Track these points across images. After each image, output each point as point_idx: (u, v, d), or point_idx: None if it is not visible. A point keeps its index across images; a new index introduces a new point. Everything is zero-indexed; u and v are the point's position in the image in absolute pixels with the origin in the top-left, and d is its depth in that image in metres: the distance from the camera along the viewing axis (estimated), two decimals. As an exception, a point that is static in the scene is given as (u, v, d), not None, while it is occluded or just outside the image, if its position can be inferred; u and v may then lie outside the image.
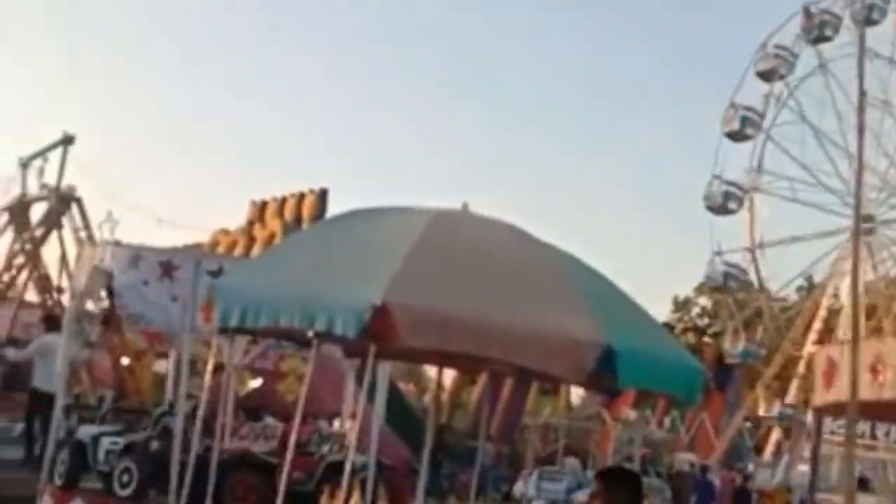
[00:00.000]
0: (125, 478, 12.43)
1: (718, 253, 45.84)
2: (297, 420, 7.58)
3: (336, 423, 15.65)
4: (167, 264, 12.16)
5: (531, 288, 5.52)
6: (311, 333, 5.98)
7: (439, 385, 8.29)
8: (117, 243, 12.78)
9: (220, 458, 11.83)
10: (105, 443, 13.09)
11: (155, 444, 12.49)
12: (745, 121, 45.67)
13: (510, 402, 39.35)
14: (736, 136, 46.05)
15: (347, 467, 6.68)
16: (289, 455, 9.07)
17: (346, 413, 15.06)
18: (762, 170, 46.23)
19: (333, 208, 29.14)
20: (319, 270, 5.62)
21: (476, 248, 5.66)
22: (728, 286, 46.21)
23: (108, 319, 14.99)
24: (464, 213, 6.16)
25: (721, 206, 45.51)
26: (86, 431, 13.69)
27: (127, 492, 12.31)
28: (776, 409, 44.01)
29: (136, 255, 12.56)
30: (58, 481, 12.55)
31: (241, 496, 11.96)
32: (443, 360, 7.25)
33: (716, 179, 45.71)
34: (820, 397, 10.43)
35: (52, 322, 16.15)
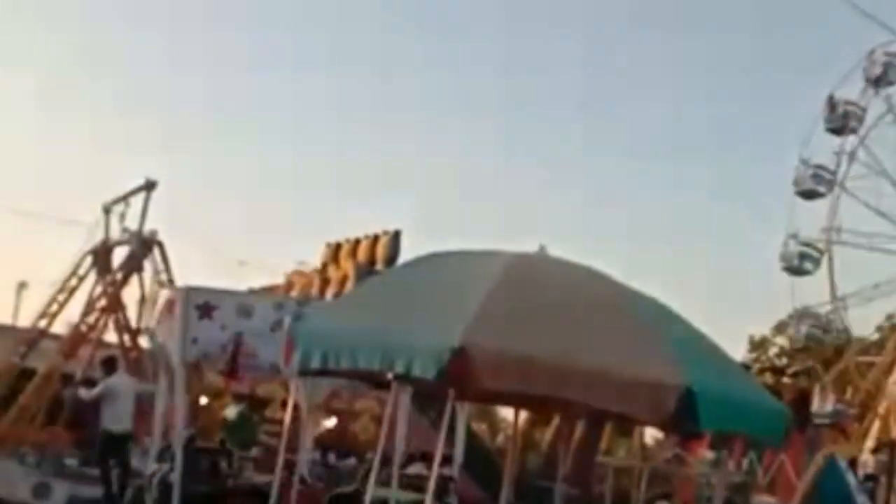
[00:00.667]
0: None
1: (801, 314, 44.94)
2: (377, 459, 7.63)
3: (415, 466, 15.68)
4: (205, 306, 12.29)
5: (611, 330, 5.51)
6: (390, 376, 6.02)
7: (517, 427, 8.27)
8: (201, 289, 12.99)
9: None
10: None
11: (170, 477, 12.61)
12: (817, 178, 45.04)
13: (583, 442, 38.91)
14: (807, 195, 45.37)
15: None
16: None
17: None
18: (838, 227, 45.36)
19: (407, 249, 29.32)
20: (399, 313, 5.68)
21: (554, 290, 5.68)
22: (809, 345, 45.35)
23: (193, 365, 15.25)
24: (541, 256, 6.19)
25: (798, 267, 44.73)
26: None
27: None
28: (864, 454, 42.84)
29: (248, 304, 12.73)
30: None
31: None
32: (520, 401, 7.24)
33: (791, 239, 45.00)
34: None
35: (110, 364, 16.48)
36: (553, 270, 6.01)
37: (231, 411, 14.65)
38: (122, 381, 15.86)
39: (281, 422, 15.09)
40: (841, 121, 44.42)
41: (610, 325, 5.52)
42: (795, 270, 44.29)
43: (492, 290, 5.42)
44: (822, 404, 43.91)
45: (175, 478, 11.93)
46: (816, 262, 44.36)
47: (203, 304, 12.11)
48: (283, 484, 11.99)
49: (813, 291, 45.00)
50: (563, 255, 6.25)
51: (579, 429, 38.49)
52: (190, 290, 12.52)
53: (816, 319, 44.60)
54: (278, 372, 14.27)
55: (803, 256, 44.05)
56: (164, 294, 14.08)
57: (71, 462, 18.14)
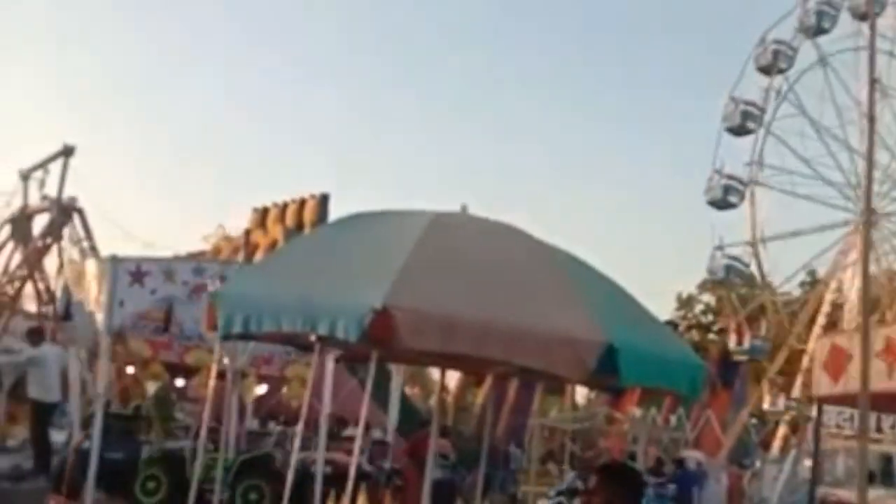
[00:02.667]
0: (151, 485, 12.63)
1: (720, 247, 45.77)
2: (301, 425, 7.60)
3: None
4: (137, 272, 12.18)
5: (531, 288, 5.54)
6: (313, 338, 5.98)
7: (443, 387, 8.29)
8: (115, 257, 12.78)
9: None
10: None
11: (87, 445, 12.60)
12: (745, 115, 45.66)
13: (516, 403, 39.35)
14: (736, 131, 46.02)
15: (352, 472, 6.68)
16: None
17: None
18: (763, 164, 46.18)
19: (335, 213, 29.18)
20: (321, 275, 5.64)
21: (475, 250, 5.68)
22: (730, 280, 46.11)
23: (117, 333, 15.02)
24: (463, 215, 6.18)
25: (722, 199, 45.44)
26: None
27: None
28: (781, 403, 43.90)
29: (170, 268, 12.58)
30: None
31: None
32: (446, 362, 7.26)
33: (716, 174, 45.69)
34: (825, 387, 10.32)
35: (37, 335, 16.21)
36: (474, 229, 6.00)
37: (151, 387, 14.59)
38: (49, 351, 15.60)
39: (201, 401, 15.04)
40: (771, 60, 45.07)
41: (531, 282, 5.54)
42: (719, 203, 44.99)
43: (414, 250, 5.41)
44: (740, 340, 44.88)
45: (92, 444, 11.87)
46: (740, 196, 45.12)
47: (136, 269, 11.98)
48: (195, 449, 11.99)
49: (734, 235, 45.79)
50: (484, 213, 6.24)
51: (511, 390, 38.91)
52: (119, 258, 12.38)
53: (736, 258, 45.44)
54: (204, 339, 14.24)
55: (728, 189, 44.80)
56: (91, 262, 13.80)
57: None
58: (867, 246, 8.93)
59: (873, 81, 9.13)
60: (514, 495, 28.13)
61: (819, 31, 45.36)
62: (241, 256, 29.59)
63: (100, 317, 12.20)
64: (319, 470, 11.48)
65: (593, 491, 5.29)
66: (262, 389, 16.92)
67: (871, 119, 8.84)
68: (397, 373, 14.84)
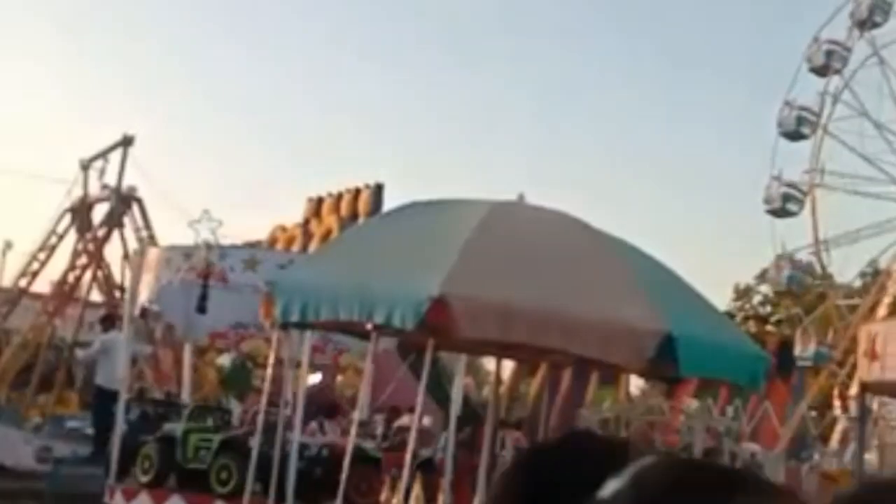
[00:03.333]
0: (224, 475, 12.65)
1: (782, 257, 45.14)
2: (357, 414, 7.62)
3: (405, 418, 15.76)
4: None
5: (590, 277, 5.51)
6: (370, 326, 6.00)
7: (498, 377, 8.26)
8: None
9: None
10: (194, 439, 13.26)
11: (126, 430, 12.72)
12: (800, 120, 45.02)
13: (569, 393, 39.16)
14: (792, 136, 45.38)
15: (408, 458, 6.67)
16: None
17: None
18: (823, 169, 45.46)
19: (389, 203, 29.25)
20: (378, 264, 5.66)
21: (533, 239, 5.66)
22: (791, 289, 45.56)
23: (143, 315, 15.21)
24: (520, 205, 6.16)
25: (781, 209, 44.81)
26: (172, 427, 13.94)
27: (227, 489, 12.53)
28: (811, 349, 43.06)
29: (188, 254, 12.75)
30: (143, 478, 12.66)
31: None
32: (501, 351, 7.24)
33: (774, 181, 45.00)
34: (868, 373, 10.15)
35: (109, 321, 16.46)
36: (532, 218, 5.98)
37: (225, 359, 14.61)
38: (118, 338, 15.80)
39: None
40: (825, 61, 44.38)
41: (589, 272, 5.51)
42: (779, 212, 44.39)
43: (470, 240, 5.40)
44: (804, 348, 44.34)
45: (118, 430, 12.09)
46: (800, 204, 44.47)
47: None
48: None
49: (796, 237, 45.17)
50: (542, 204, 6.21)
51: (565, 380, 38.79)
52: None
53: (798, 263, 44.84)
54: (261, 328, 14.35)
55: (787, 198, 44.14)
56: (154, 252, 14.01)
57: (74, 424, 18.17)
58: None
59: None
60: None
61: (872, 24, 44.55)
62: (297, 246, 29.79)
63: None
64: (342, 457, 11.53)
65: None
66: (315, 378, 17.00)
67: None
68: (458, 365, 14.78)
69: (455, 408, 13.09)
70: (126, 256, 19.36)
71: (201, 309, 13.16)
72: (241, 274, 12.34)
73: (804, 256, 45.42)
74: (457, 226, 5.60)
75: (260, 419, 8.60)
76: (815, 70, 45.25)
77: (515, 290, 5.20)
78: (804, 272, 44.99)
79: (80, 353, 18.30)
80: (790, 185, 45.02)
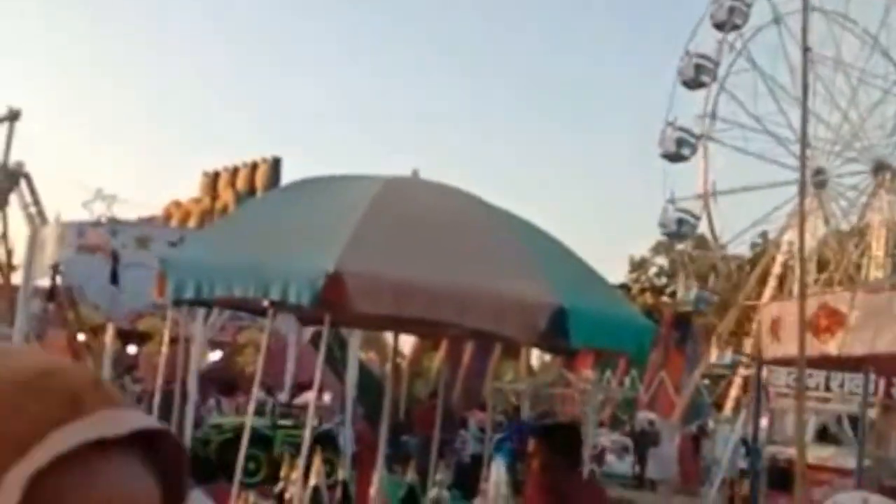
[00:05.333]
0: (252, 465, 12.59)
1: (672, 201, 46.12)
2: (255, 391, 7.60)
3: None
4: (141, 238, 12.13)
5: (483, 251, 5.58)
6: (266, 303, 5.99)
7: (396, 351, 8.31)
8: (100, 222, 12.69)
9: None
10: None
11: None
12: (699, 68, 45.98)
13: (471, 367, 39.50)
14: (690, 84, 46.28)
15: (307, 435, 6.69)
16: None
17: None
18: (716, 117, 46.52)
19: (287, 177, 28.98)
20: (272, 239, 5.64)
21: (427, 214, 5.70)
22: (682, 233, 46.50)
23: (53, 295, 14.86)
24: (414, 180, 6.20)
25: (674, 153, 45.76)
26: None
27: None
28: (728, 357, 44.49)
29: (81, 231, 12.51)
30: None
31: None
32: (400, 326, 7.30)
33: (669, 126, 46.00)
34: (771, 351, 10.62)
35: None
36: (426, 193, 6.02)
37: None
38: None
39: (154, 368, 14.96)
40: (727, 17, 45.41)
41: (483, 246, 5.59)
42: (672, 157, 45.42)
43: (365, 214, 5.42)
44: (686, 293, 45.53)
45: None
46: (692, 148, 45.57)
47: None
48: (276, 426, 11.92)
49: (687, 190, 46.11)
50: (436, 179, 6.25)
51: (468, 353, 39.06)
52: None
53: (688, 211, 45.89)
54: (159, 306, 14.14)
55: (680, 142, 45.23)
56: (49, 229, 13.64)
57: None
58: (802, 210, 9.15)
59: (806, 49, 9.27)
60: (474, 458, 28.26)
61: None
62: (192, 222, 29.35)
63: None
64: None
65: (532, 453, 5.37)
66: (215, 356, 16.87)
67: (805, 87, 8.96)
68: (353, 339, 14.83)
69: (350, 381, 13.14)
70: (4, 235, 18.86)
71: (114, 281, 12.92)
72: (133, 252, 12.14)
73: (693, 207, 46.38)
74: (352, 201, 5.61)
75: (156, 399, 8.51)
76: (716, 24, 46.29)
77: (410, 265, 5.25)
78: (693, 217, 46.00)
79: None
80: (684, 129, 46.01)
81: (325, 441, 12.55)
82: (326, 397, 17.36)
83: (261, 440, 12.36)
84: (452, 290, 5.22)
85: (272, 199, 7.00)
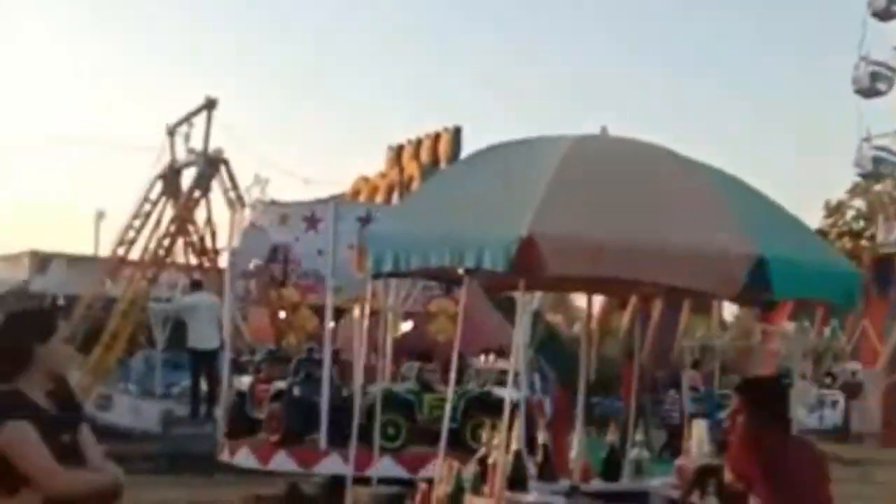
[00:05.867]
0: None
1: (867, 139, 43.78)
2: (455, 358, 7.73)
3: (490, 359, 15.88)
4: (311, 218, 12.48)
5: (678, 205, 5.48)
6: (461, 271, 6.08)
7: (590, 313, 8.29)
8: (272, 202, 13.19)
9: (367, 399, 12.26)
10: (258, 391, 13.55)
11: (297, 391, 12.80)
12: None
13: (661, 324, 38.95)
14: (882, 15, 43.69)
15: (507, 399, 6.76)
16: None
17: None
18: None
19: (468, 146, 29.23)
20: (464, 208, 5.71)
21: (618, 170, 5.65)
22: (879, 172, 44.08)
23: (263, 276, 15.51)
24: (603, 137, 6.13)
25: (869, 88, 43.32)
26: (241, 382, 14.28)
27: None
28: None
29: (284, 213, 12.97)
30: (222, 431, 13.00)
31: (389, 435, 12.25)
32: (591, 287, 7.26)
33: (862, 61, 43.58)
34: None
35: (195, 286, 16.98)
36: (616, 149, 5.96)
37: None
38: (201, 299, 16.25)
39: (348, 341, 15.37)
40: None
41: (677, 200, 5.49)
42: (867, 92, 43.04)
43: (555, 175, 5.40)
44: (887, 235, 42.99)
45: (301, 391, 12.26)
46: (889, 82, 43.04)
47: (310, 215, 12.31)
48: (420, 392, 12.29)
49: (884, 126, 43.68)
50: (625, 135, 6.18)
51: (656, 311, 38.51)
52: (342, 204, 12.74)
53: (885, 148, 43.43)
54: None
55: (875, 76, 42.81)
56: (247, 213, 14.27)
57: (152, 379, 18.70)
58: None
59: None
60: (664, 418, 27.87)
61: None
62: (379, 196, 30.01)
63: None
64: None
65: (736, 409, 5.27)
66: (407, 326, 17.23)
67: None
68: (529, 301, 14.80)
69: (518, 336, 13.12)
70: (209, 220, 19.78)
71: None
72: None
73: (890, 144, 43.82)
74: (540, 163, 5.61)
75: (358, 370, 8.75)
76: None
77: (604, 224, 5.21)
78: (890, 153, 43.46)
79: (153, 305, 18.85)
80: (878, 63, 43.51)
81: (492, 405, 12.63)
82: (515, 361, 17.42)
83: (402, 405, 12.54)
84: (649, 247, 5.16)
85: (461, 168, 7.09)
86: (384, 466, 10.25)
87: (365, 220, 12.32)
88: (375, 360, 11.25)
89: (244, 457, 12.58)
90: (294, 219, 12.84)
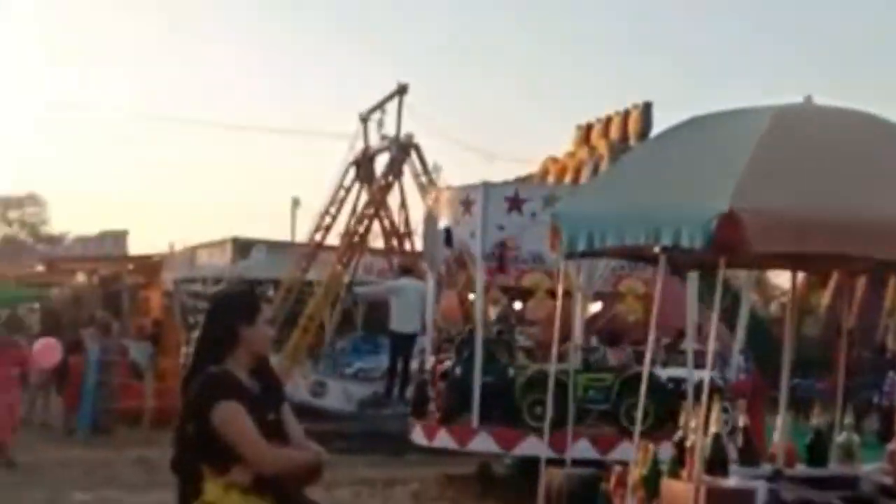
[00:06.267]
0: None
1: None
2: (651, 339, 7.58)
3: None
4: (465, 201, 12.50)
5: (888, 175, 5.18)
6: (657, 249, 5.93)
7: (794, 292, 7.95)
8: (447, 188, 13.31)
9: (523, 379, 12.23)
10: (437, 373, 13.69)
11: (458, 370, 12.91)
12: None
13: (865, 302, 37.16)
14: None
15: (706, 382, 6.55)
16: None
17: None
18: None
19: (659, 122, 28.61)
20: (661, 184, 5.57)
21: (824, 141, 5.38)
22: None
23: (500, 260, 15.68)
24: (808, 106, 5.85)
25: None
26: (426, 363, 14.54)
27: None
28: None
29: (449, 197, 13.05)
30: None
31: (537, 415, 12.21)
32: (797, 263, 6.95)
33: None
34: None
35: (405, 271, 17.30)
36: (822, 120, 5.68)
37: (492, 312, 15.03)
38: (408, 284, 16.53)
39: (536, 324, 15.30)
40: None
41: (889, 169, 5.19)
42: None
43: (758, 148, 5.19)
44: None
45: (462, 371, 12.44)
46: None
47: (514, 195, 12.37)
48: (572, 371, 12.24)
49: None
50: (831, 104, 5.88)
51: (860, 287, 36.77)
52: (492, 185, 12.87)
53: None
54: (541, 261, 14.48)
55: None
56: (436, 195, 14.48)
57: (354, 362, 19.19)
58: None
59: None
60: (871, 401, 26.55)
61: None
62: (568, 176, 29.81)
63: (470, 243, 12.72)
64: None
65: None
66: (596, 307, 17.07)
67: None
68: (746, 282, 14.34)
69: (741, 326, 12.73)
70: (404, 203, 20.12)
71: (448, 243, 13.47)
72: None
73: None
74: (741, 135, 5.40)
75: (554, 350, 8.70)
76: None
77: (810, 197, 4.98)
78: None
79: (359, 289, 19.30)
80: None
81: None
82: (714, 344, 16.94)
83: (555, 385, 12.35)
84: (859, 221, 4.90)
85: (657, 143, 6.89)
86: (579, 448, 10.17)
87: (513, 202, 12.30)
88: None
89: (442, 438, 12.69)
90: (454, 203, 12.98)
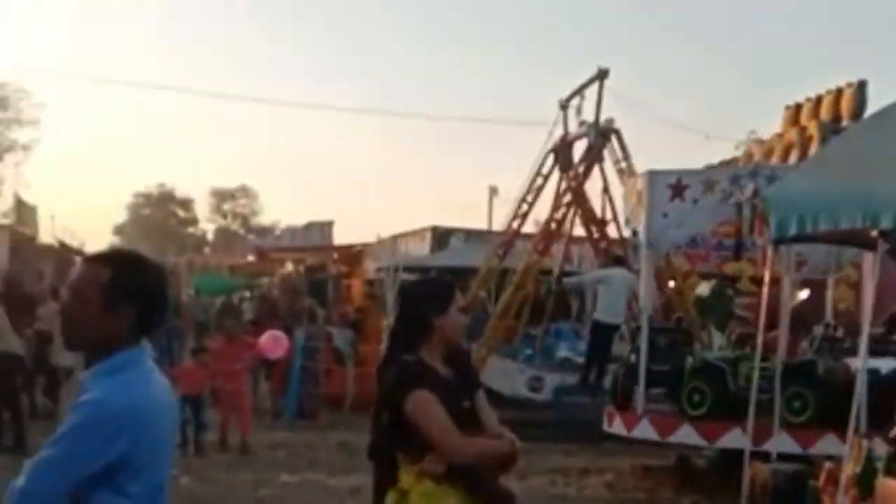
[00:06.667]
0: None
1: None
2: (866, 327, 7.10)
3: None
4: (676, 185, 12.07)
5: None
6: (874, 233, 5.53)
7: None
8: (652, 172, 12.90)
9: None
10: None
11: (633, 358, 12.67)
12: None
13: None
14: None
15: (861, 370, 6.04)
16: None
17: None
18: None
19: (874, 101, 27.00)
20: (880, 165, 5.20)
21: None
22: None
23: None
24: None
25: None
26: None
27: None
28: None
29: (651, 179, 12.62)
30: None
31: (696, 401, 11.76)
32: None
33: None
34: None
35: (619, 261, 17.01)
36: None
37: (703, 288, 14.42)
38: (616, 273, 16.23)
39: (755, 294, 14.66)
40: None
41: None
42: None
43: None
44: None
45: (637, 358, 12.28)
46: None
47: (675, 182, 12.00)
48: (734, 359, 11.79)
49: None
50: None
51: None
52: (655, 173, 12.52)
53: None
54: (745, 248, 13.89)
55: None
56: (633, 182, 14.16)
57: (565, 353, 19.04)
58: None
59: None
60: None
61: None
62: (774, 158, 28.60)
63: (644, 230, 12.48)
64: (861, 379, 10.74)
65: None
66: (804, 294, 16.28)
67: None
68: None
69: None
70: (606, 190, 19.76)
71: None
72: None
73: None
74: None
75: (759, 338, 8.31)
76: None
77: None
78: None
79: (568, 280, 19.09)
80: None
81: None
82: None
83: (714, 373, 11.79)
84: None
85: (872, 123, 6.44)
86: (780, 442, 9.70)
87: (675, 188, 11.84)
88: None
89: (643, 429, 12.40)
90: (631, 193, 12.66)
